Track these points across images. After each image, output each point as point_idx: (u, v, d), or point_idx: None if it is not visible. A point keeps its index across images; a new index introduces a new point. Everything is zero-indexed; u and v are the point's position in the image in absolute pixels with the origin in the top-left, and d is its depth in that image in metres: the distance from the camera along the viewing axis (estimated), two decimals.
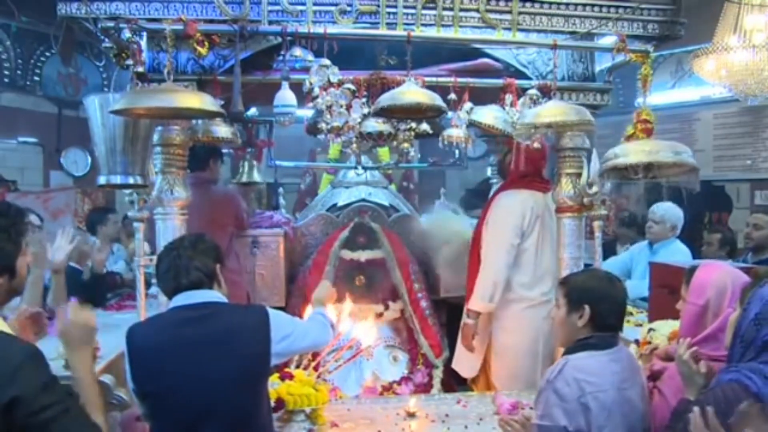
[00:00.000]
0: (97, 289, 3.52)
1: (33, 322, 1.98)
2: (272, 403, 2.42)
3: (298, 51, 2.47)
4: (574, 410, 1.80)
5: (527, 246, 3.06)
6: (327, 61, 2.50)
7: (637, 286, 3.49)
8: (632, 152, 2.28)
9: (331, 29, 2.53)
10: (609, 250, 5.20)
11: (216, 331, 1.84)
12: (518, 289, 3.06)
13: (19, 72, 6.26)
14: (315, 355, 2.86)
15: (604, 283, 1.98)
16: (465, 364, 3.26)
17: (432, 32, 2.65)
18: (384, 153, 4.65)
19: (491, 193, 3.83)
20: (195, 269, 1.89)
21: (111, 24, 2.43)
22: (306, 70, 2.52)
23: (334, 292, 2.47)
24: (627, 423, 1.85)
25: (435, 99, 2.42)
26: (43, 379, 1.41)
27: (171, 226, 2.58)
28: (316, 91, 2.53)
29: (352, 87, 2.60)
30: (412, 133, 2.93)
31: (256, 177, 4.24)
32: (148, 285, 2.68)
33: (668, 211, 3.97)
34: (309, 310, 2.61)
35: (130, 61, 2.42)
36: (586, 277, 2.08)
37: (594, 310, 1.92)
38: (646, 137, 2.36)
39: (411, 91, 2.40)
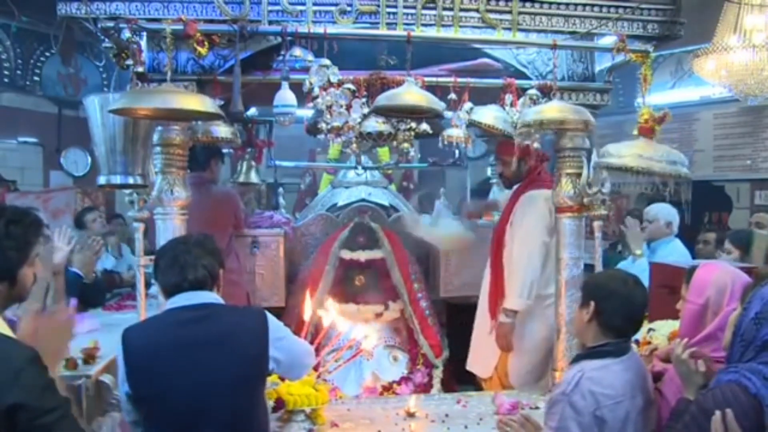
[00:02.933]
0: (96, 290, 3.51)
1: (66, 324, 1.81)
2: (272, 403, 2.43)
3: (298, 51, 2.47)
4: (589, 424, 1.81)
5: (551, 244, 3.06)
6: (327, 61, 2.50)
7: None
8: (627, 155, 2.29)
9: (331, 29, 2.53)
10: (613, 251, 5.21)
11: (213, 333, 1.83)
12: (542, 287, 3.07)
13: (19, 72, 6.26)
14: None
15: (617, 283, 1.95)
16: (481, 364, 3.27)
17: (432, 32, 2.64)
18: (384, 153, 4.65)
19: (497, 192, 3.84)
20: (202, 267, 1.88)
21: (111, 24, 2.42)
22: (306, 70, 2.52)
23: None
24: (637, 428, 1.86)
25: (433, 101, 2.41)
26: (43, 383, 1.40)
27: (171, 226, 2.58)
28: (316, 91, 2.53)
29: (352, 87, 2.60)
30: (412, 133, 2.93)
31: (254, 178, 4.22)
32: (148, 285, 2.68)
33: (661, 210, 3.96)
34: (308, 306, 2.61)
35: (130, 61, 2.41)
36: (601, 275, 2.09)
37: (599, 307, 1.90)
38: (653, 133, 2.37)
39: (409, 93, 2.40)
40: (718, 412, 1.50)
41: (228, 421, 1.82)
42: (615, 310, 1.91)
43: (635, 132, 2.42)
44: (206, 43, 2.44)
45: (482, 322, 3.28)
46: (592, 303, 1.92)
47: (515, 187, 3.31)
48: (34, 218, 1.60)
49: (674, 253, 3.78)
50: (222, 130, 2.74)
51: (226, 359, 1.81)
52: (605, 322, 1.91)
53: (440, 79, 2.82)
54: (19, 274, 1.54)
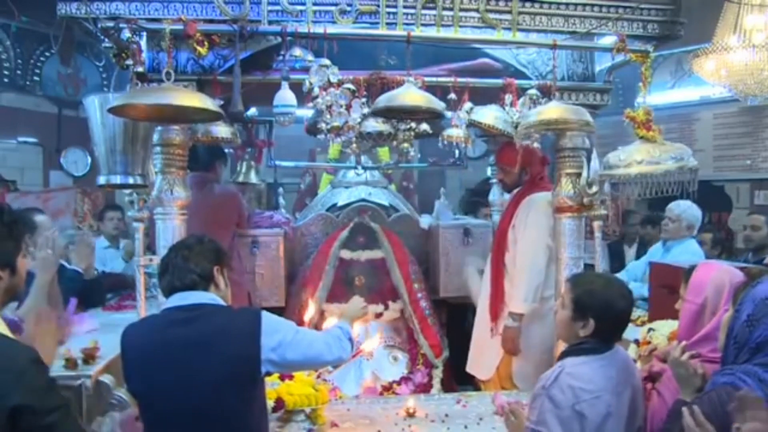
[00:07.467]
0: (96, 289, 3.50)
1: (56, 329, 1.91)
2: (272, 403, 2.42)
3: (298, 51, 2.47)
4: (569, 417, 1.80)
5: (553, 246, 3.07)
6: (327, 61, 2.51)
7: (639, 288, 3.46)
8: (633, 163, 2.29)
9: (331, 29, 2.53)
10: (615, 252, 5.20)
11: (202, 333, 1.81)
12: (544, 289, 3.07)
13: (19, 72, 6.25)
14: None
15: (615, 298, 1.92)
16: (482, 366, 3.26)
17: (432, 32, 2.64)
18: (384, 153, 4.65)
19: (497, 192, 3.84)
20: (189, 271, 1.87)
21: (111, 24, 2.43)
22: (306, 70, 2.52)
23: (367, 311, 2.36)
24: (621, 425, 1.85)
25: (432, 102, 2.41)
26: (45, 383, 1.41)
27: (171, 226, 2.58)
28: (316, 91, 2.54)
29: (352, 87, 2.60)
30: (412, 133, 2.93)
31: (253, 178, 4.22)
32: (147, 285, 2.67)
33: (686, 211, 3.84)
34: (310, 308, 2.59)
35: (130, 61, 2.42)
36: (598, 287, 1.95)
37: (598, 324, 1.89)
38: (652, 135, 2.37)
39: (409, 94, 2.40)
40: (685, 409, 1.50)
41: (217, 421, 1.81)
42: (614, 325, 1.92)
43: (636, 133, 2.42)
44: (206, 43, 2.45)
45: (483, 324, 3.27)
46: (592, 321, 1.89)
47: (516, 190, 3.30)
48: (9, 210, 1.62)
49: (686, 252, 3.70)
50: (222, 130, 2.75)
51: (212, 360, 1.79)
52: (601, 334, 1.91)
53: (440, 79, 2.82)
54: (18, 263, 1.56)
